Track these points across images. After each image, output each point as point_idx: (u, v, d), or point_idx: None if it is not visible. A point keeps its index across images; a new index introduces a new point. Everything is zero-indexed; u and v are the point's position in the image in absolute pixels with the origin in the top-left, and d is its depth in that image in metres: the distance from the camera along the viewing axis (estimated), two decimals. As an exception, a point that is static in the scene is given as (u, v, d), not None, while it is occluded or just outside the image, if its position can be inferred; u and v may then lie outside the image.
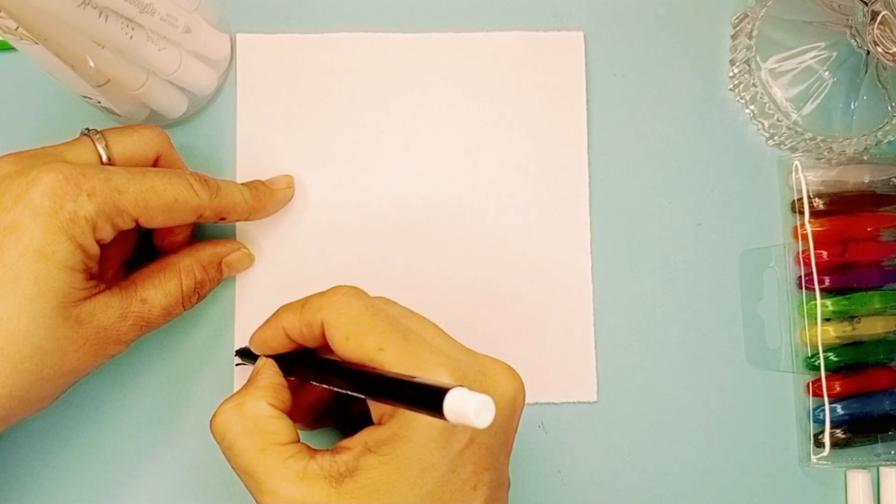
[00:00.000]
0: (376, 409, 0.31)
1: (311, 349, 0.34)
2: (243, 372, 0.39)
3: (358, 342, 0.31)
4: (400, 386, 0.27)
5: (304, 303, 0.33)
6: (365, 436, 0.31)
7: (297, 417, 0.34)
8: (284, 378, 0.34)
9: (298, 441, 0.31)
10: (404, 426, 0.29)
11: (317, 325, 0.32)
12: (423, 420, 0.29)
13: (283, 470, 0.30)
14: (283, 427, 0.31)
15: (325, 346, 0.33)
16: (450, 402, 0.23)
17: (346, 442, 0.31)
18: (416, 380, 0.27)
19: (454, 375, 0.29)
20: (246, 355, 0.37)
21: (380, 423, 0.31)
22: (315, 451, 0.31)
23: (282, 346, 0.34)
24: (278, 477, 0.30)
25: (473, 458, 0.30)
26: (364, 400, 0.31)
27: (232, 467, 0.31)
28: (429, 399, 0.24)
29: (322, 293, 0.33)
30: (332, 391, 0.33)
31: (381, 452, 0.30)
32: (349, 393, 0.30)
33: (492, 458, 0.31)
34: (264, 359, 0.35)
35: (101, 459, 0.39)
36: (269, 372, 0.34)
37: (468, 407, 0.23)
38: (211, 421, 0.32)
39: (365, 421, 0.32)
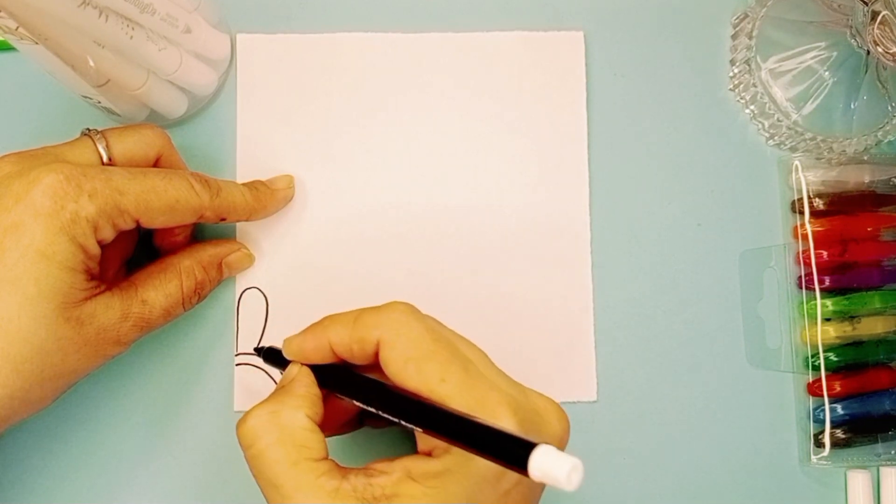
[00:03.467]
0: (426, 440, 0.30)
1: (346, 365, 0.33)
2: (243, 372, 0.40)
3: (418, 368, 0.29)
4: (471, 429, 0.26)
5: (356, 317, 0.31)
6: (408, 463, 0.29)
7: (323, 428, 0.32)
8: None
9: (329, 457, 0.30)
10: (461, 464, 0.28)
11: (371, 343, 0.30)
12: (480, 460, 0.27)
13: (314, 487, 0.28)
14: (317, 441, 0.30)
15: (371, 366, 0.31)
16: (538, 462, 0.23)
17: (382, 465, 0.30)
18: (493, 426, 0.26)
19: (515, 417, 0.28)
20: (271, 357, 0.36)
21: (428, 455, 0.30)
22: (346, 469, 0.30)
23: (322, 360, 0.32)
24: (308, 493, 0.28)
25: (517, 497, 0.30)
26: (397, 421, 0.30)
27: (254, 475, 0.30)
28: (510, 452, 0.24)
29: (377, 308, 0.31)
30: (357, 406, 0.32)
31: (427, 484, 0.28)
32: (399, 421, 0.29)
33: (532, 497, 0.31)
34: (300, 367, 0.33)
35: (101, 459, 0.39)
36: (307, 381, 0.32)
37: (560, 469, 0.22)
38: (240, 424, 0.30)
39: (390, 434, 0.31)
